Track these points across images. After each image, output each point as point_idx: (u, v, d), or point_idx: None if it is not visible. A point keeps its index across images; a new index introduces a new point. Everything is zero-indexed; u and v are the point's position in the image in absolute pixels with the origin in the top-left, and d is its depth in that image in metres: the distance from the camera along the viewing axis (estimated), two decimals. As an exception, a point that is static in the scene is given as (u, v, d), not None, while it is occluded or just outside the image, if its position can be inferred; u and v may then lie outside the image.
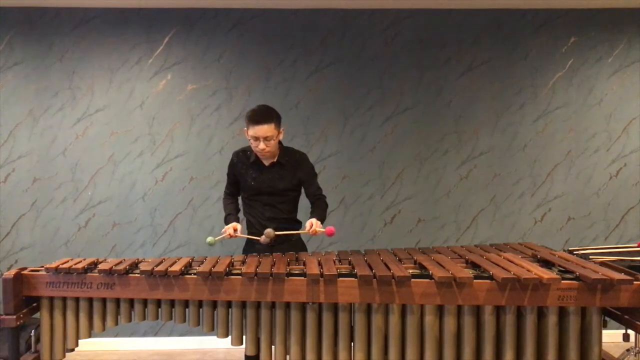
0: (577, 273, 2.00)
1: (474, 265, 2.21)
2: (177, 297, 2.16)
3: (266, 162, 2.63)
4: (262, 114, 2.50)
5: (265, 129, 2.47)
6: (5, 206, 3.78)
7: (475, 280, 2.00)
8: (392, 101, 3.85)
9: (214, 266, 2.19)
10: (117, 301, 2.21)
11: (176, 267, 2.16)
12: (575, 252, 2.45)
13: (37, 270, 2.26)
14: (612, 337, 2.54)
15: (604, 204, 3.87)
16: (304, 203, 2.75)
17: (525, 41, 3.84)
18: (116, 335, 3.80)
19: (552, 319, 1.98)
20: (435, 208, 3.88)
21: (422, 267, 2.19)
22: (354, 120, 3.85)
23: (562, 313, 1.99)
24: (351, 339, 2.09)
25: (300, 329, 2.10)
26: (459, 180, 3.88)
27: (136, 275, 2.18)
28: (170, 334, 3.85)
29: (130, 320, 2.22)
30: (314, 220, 2.51)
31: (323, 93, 3.84)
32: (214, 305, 2.16)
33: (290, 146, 2.74)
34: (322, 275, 2.06)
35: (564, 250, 2.47)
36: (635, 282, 1.96)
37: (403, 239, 3.83)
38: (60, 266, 2.20)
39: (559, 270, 2.09)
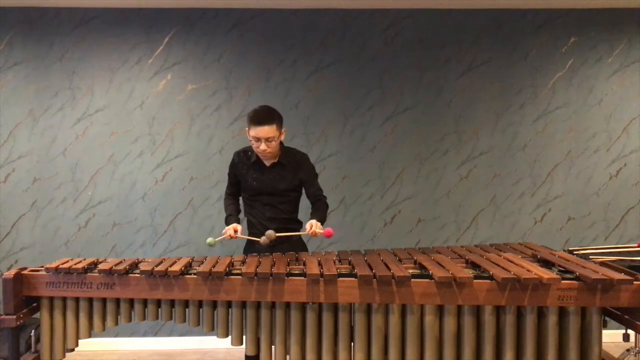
0: (577, 273, 2.00)
1: (474, 265, 2.21)
2: (177, 297, 2.16)
3: (267, 163, 2.63)
4: (264, 115, 2.50)
5: (267, 130, 2.47)
6: (5, 206, 3.78)
7: (475, 280, 2.00)
8: (392, 101, 3.85)
9: (214, 266, 2.19)
10: (117, 301, 2.20)
11: (176, 267, 2.16)
12: (575, 252, 2.45)
13: (37, 270, 2.26)
14: (612, 337, 2.54)
15: (604, 204, 3.87)
16: (304, 203, 2.74)
17: (525, 41, 3.84)
18: (116, 335, 3.80)
19: (552, 319, 1.98)
20: (435, 208, 3.88)
21: (422, 267, 2.19)
22: (354, 120, 3.85)
23: (562, 313, 1.99)
24: (351, 339, 2.09)
25: (300, 329, 2.10)
26: (459, 180, 3.88)
27: (136, 275, 2.18)
28: (170, 334, 3.85)
29: (130, 320, 2.22)
30: (313, 221, 2.50)
31: (323, 93, 3.84)
32: (214, 305, 2.16)
33: (291, 146, 2.74)
34: (322, 275, 2.06)
35: (564, 250, 2.47)
36: (635, 282, 1.95)
37: (403, 239, 3.83)
38: (60, 266, 2.20)
39: (559, 270, 2.09)
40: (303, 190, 2.73)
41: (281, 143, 2.64)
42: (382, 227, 3.88)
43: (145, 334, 3.85)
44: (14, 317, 2.14)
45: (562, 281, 1.97)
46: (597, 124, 3.86)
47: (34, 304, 2.25)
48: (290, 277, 2.09)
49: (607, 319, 2.06)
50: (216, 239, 2.48)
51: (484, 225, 3.88)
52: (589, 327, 1.99)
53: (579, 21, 3.83)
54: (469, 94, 3.86)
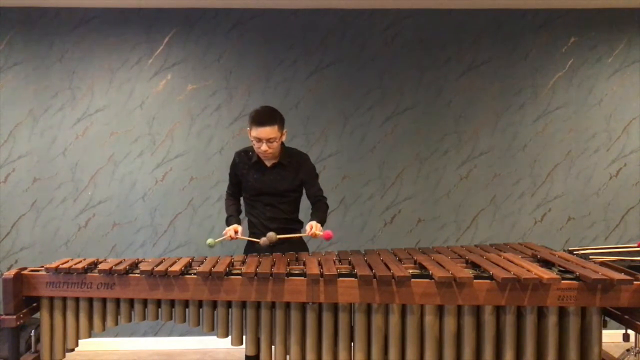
0: (577, 273, 2.00)
1: (474, 265, 2.21)
2: (177, 297, 2.16)
3: (268, 163, 2.63)
4: (265, 116, 2.49)
5: (269, 131, 2.47)
6: (5, 206, 3.78)
7: (475, 280, 1.99)
8: (392, 101, 3.85)
9: (214, 266, 2.19)
10: (117, 301, 2.20)
11: (176, 267, 2.16)
12: (575, 252, 2.45)
13: (37, 270, 2.26)
14: (612, 337, 2.54)
15: (604, 204, 3.87)
16: (305, 203, 2.74)
17: (525, 41, 3.84)
18: (116, 335, 3.80)
19: (552, 319, 1.97)
20: (435, 208, 3.88)
21: (422, 267, 2.19)
22: (354, 120, 3.85)
23: (562, 313, 1.99)
24: (351, 339, 2.09)
25: (300, 329, 2.10)
26: (459, 180, 3.88)
27: (136, 275, 2.17)
28: (170, 334, 3.85)
29: (130, 320, 2.22)
30: (313, 223, 2.50)
31: (323, 93, 3.84)
32: (214, 305, 2.16)
33: (291, 146, 2.74)
34: (322, 275, 2.06)
35: (564, 250, 2.47)
36: (635, 282, 1.95)
37: (403, 239, 3.83)
38: (60, 266, 2.20)
39: (559, 270, 2.09)
40: (304, 191, 2.73)
41: (282, 143, 2.64)
42: (382, 227, 3.88)
43: (145, 334, 3.85)
44: (14, 317, 2.14)
45: (562, 281, 1.97)
46: (597, 124, 3.86)
47: (34, 304, 2.25)
48: (290, 277, 2.09)
49: (607, 319, 2.05)
50: (216, 240, 2.48)
51: (484, 225, 3.88)
52: (589, 327, 1.99)
53: (579, 21, 3.83)
54: (469, 94, 3.86)
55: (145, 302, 2.20)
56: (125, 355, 3.72)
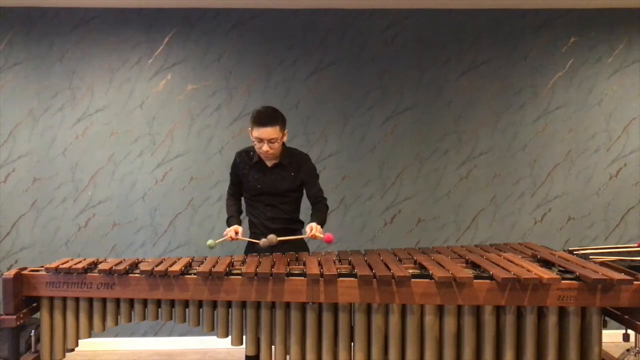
0: (577, 273, 2.00)
1: (474, 265, 2.21)
2: (177, 297, 2.16)
3: (269, 163, 2.63)
4: (267, 116, 2.49)
5: (270, 132, 2.47)
6: (5, 206, 3.78)
7: (475, 280, 2.00)
8: (392, 101, 3.85)
9: (214, 266, 2.19)
10: (117, 301, 2.20)
11: (176, 267, 2.16)
12: (575, 252, 2.45)
13: (37, 270, 2.26)
14: (612, 337, 2.54)
15: (604, 204, 3.87)
16: (306, 203, 2.74)
17: (525, 41, 3.84)
18: (116, 335, 3.80)
19: (552, 319, 1.97)
20: (435, 208, 3.88)
21: (422, 267, 2.19)
22: (354, 120, 3.85)
23: (562, 313, 1.99)
24: (351, 339, 2.09)
25: (300, 329, 2.10)
26: (459, 180, 3.88)
27: (136, 275, 2.18)
28: (170, 334, 3.85)
29: (130, 320, 2.22)
30: (313, 224, 2.50)
31: (323, 93, 3.84)
32: (214, 305, 2.16)
33: (291, 146, 2.74)
34: (322, 275, 2.06)
35: (564, 250, 2.47)
36: (635, 282, 1.95)
37: (403, 239, 3.83)
38: (60, 266, 2.20)
39: (559, 270, 2.09)
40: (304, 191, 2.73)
41: (283, 143, 2.64)
42: (382, 227, 3.88)
43: (145, 334, 3.85)
44: (14, 317, 2.14)
45: (562, 281, 1.97)
46: (597, 124, 3.86)
47: (34, 304, 2.25)
48: (290, 277, 2.09)
49: (607, 319, 2.05)
50: (216, 241, 2.48)
51: (484, 225, 3.88)
52: (589, 327, 1.99)
53: (579, 21, 3.83)
54: (469, 94, 3.86)
55: (145, 302, 2.20)
56: (125, 355, 3.72)
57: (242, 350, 2.24)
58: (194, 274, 2.14)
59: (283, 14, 3.80)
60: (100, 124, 3.80)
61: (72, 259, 2.32)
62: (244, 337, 2.15)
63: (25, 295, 2.21)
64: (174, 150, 3.82)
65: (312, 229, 2.47)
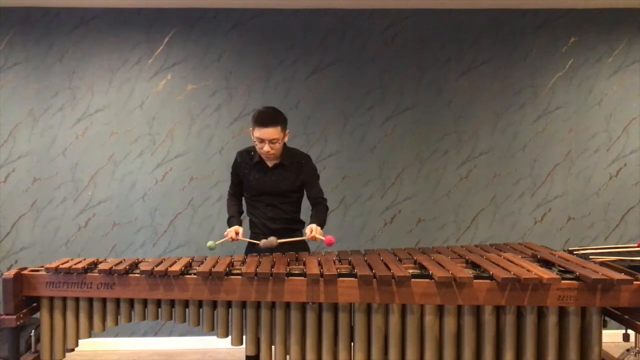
0: (577, 273, 2.00)
1: (474, 265, 2.21)
2: (177, 297, 2.16)
3: (269, 163, 2.63)
4: (268, 117, 2.49)
5: (271, 132, 2.47)
6: (5, 206, 3.78)
7: (475, 280, 2.00)
8: (392, 101, 3.85)
9: (214, 266, 2.19)
10: (117, 301, 2.20)
11: (176, 267, 2.16)
12: (575, 252, 2.45)
13: (37, 270, 2.26)
14: (612, 337, 2.54)
15: (604, 204, 3.87)
16: (307, 203, 2.74)
17: (525, 41, 3.84)
18: (116, 335, 3.80)
19: (552, 319, 1.98)
20: (435, 208, 3.88)
21: (422, 267, 2.19)
22: (354, 120, 3.85)
23: (562, 313, 1.99)
24: (351, 339, 2.09)
25: (300, 329, 2.10)
26: (459, 180, 3.88)
27: (136, 275, 2.18)
28: (170, 334, 3.85)
29: (130, 320, 2.22)
30: (313, 226, 2.51)
31: (323, 93, 3.84)
32: (214, 305, 2.16)
33: (291, 147, 2.74)
34: (322, 275, 2.06)
35: (564, 250, 2.47)
36: (635, 282, 1.96)
37: (403, 239, 3.83)
38: (60, 266, 2.20)
39: (559, 270, 2.09)
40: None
41: (284, 144, 2.64)
42: (382, 227, 3.88)
43: (145, 334, 3.85)
44: (14, 317, 2.14)
45: (562, 281, 1.97)
46: (597, 124, 3.86)
47: (34, 304, 2.25)
48: (290, 277, 2.09)
49: (607, 319, 2.06)
50: (217, 243, 2.48)
51: (484, 225, 3.88)
52: (589, 327, 1.99)
53: (579, 21, 3.83)
54: (469, 94, 3.86)
55: (145, 302, 2.20)
56: (125, 355, 3.72)
57: (242, 350, 2.24)
58: (194, 274, 2.14)
59: (283, 14, 3.80)
60: (100, 124, 3.80)
61: (72, 259, 2.32)
62: (244, 337, 2.15)
63: (25, 295, 2.21)
64: (174, 150, 3.82)
65: (312, 230, 2.47)
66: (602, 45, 3.84)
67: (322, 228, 2.54)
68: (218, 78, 3.82)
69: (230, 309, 2.15)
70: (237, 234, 2.52)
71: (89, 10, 3.75)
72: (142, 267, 2.19)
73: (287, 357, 2.13)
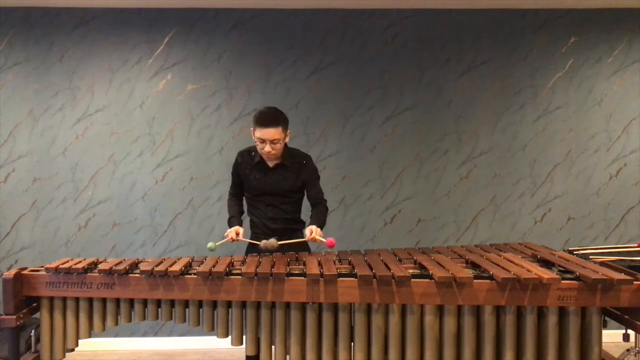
0: (577, 273, 2.00)
1: (474, 265, 2.21)
2: (177, 297, 2.16)
3: (270, 164, 2.63)
4: (270, 117, 2.49)
5: (273, 132, 2.47)
6: (5, 206, 3.78)
7: (475, 280, 2.00)
8: (392, 101, 3.85)
9: (214, 266, 2.19)
10: (117, 301, 2.20)
11: (176, 267, 2.16)
12: (575, 252, 2.45)
13: (37, 270, 2.26)
14: (612, 337, 2.54)
15: (604, 204, 3.87)
16: (307, 203, 2.74)
17: (525, 41, 3.84)
18: (116, 335, 3.80)
19: (552, 319, 1.97)
20: (435, 208, 3.88)
21: (422, 267, 2.19)
22: (354, 120, 3.85)
23: (562, 313, 1.99)
24: (351, 339, 2.09)
25: (300, 329, 2.10)
26: (459, 180, 3.88)
27: (136, 275, 2.18)
28: (170, 334, 3.85)
29: (130, 320, 2.22)
30: (313, 227, 2.50)
31: (323, 93, 3.84)
32: (214, 305, 2.16)
33: (292, 147, 2.74)
34: (322, 275, 2.06)
35: (564, 250, 2.47)
36: (635, 282, 1.95)
37: (403, 239, 3.83)
38: (60, 266, 2.20)
39: (559, 270, 2.09)
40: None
41: (285, 144, 2.64)
42: (382, 227, 3.88)
43: (145, 334, 3.85)
44: (14, 317, 2.14)
45: (562, 281, 1.97)
46: (597, 124, 3.86)
47: (34, 304, 2.25)
48: (290, 277, 2.09)
49: (607, 319, 2.06)
50: (217, 244, 2.48)
51: (484, 225, 3.88)
52: (589, 327, 1.99)
53: (579, 21, 3.83)
54: (469, 94, 3.86)
55: (145, 302, 2.20)
56: (125, 355, 3.72)
57: (242, 350, 2.24)
58: (194, 274, 2.14)
59: (283, 14, 3.80)
60: (100, 124, 3.80)
61: (72, 259, 2.32)
62: (244, 337, 2.15)
63: (25, 295, 2.21)
64: (174, 150, 3.82)
65: (312, 231, 2.47)
66: (602, 45, 3.84)
67: (321, 229, 2.54)
68: (218, 78, 3.82)
69: (230, 309, 2.15)
70: (237, 234, 2.52)
71: (89, 10, 3.75)
72: (142, 267, 2.19)
73: (287, 357, 2.13)
